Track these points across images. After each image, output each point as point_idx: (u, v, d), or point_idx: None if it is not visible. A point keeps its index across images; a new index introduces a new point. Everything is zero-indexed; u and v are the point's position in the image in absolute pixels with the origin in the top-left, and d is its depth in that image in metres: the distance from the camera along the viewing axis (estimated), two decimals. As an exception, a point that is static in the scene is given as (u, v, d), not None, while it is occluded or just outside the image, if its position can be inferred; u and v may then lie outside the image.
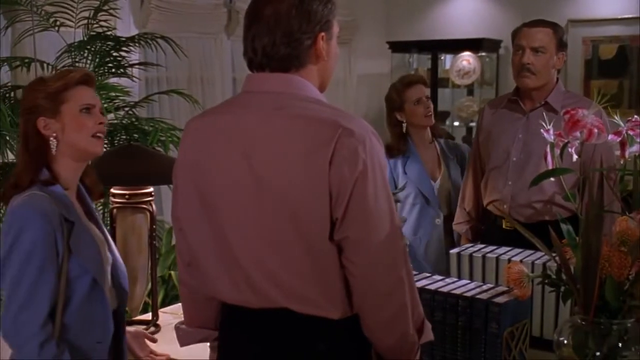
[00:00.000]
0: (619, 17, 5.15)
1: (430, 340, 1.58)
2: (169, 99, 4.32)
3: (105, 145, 2.32)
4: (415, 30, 5.92)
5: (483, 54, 5.63)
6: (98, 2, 3.45)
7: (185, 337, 1.71)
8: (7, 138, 2.90)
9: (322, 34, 1.51)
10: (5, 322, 1.66)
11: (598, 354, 1.56)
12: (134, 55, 3.66)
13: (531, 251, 2.12)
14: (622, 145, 1.67)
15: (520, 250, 2.16)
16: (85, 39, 3.40)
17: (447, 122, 5.84)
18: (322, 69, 1.55)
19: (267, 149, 1.45)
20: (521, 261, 2.02)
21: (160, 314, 2.45)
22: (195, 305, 1.67)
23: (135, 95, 3.87)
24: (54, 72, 3.26)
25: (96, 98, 1.83)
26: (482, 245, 2.29)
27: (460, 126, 5.85)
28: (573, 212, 1.89)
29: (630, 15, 5.01)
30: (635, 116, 1.73)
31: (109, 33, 3.49)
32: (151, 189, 2.38)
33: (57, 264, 1.68)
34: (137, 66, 3.64)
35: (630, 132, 1.66)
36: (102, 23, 3.47)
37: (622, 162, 1.71)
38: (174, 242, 1.69)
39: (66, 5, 3.39)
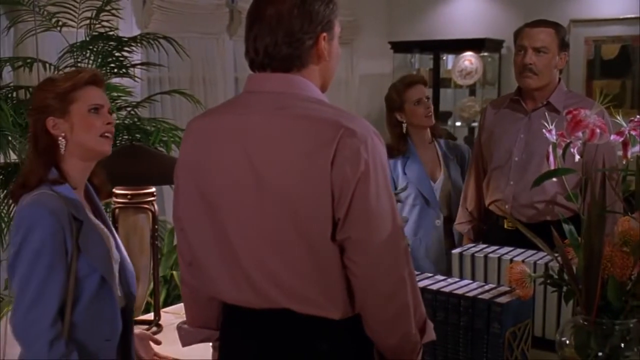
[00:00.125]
0: (622, 17, 5.14)
1: (432, 340, 1.58)
2: (171, 99, 4.32)
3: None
4: (417, 30, 5.92)
5: (485, 54, 5.63)
6: (100, 2, 3.45)
7: (187, 337, 1.71)
8: (10, 138, 2.90)
9: (324, 34, 1.51)
10: (15, 320, 1.68)
11: (600, 354, 1.56)
12: (136, 55, 3.66)
13: (533, 251, 2.12)
14: (625, 145, 1.67)
15: (522, 250, 2.16)
16: (88, 39, 3.40)
17: (449, 122, 5.84)
18: (324, 69, 1.55)
19: (268, 149, 1.45)
20: (523, 261, 2.02)
21: (162, 314, 2.45)
22: (197, 305, 1.67)
23: (137, 96, 3.87)
24: (56, 72, 3.27)
25: (105, 98, 1.85)
26: (484, 245, 2.29)
27: (462, 126, 5.85)
28: (575, 212, 1.88)
29: (632, 15, 5.01)
30: (638, 116, 1.72)
31: (111, 33, 3.49)
32: (153, 189, 2.38)
33: (66, 262, 1.69)
34: (139, 66, 3.64)
35: (633, 132, 1.66)
36: (105, 23, 3.48)
37: (624, 162, 1.70)
38: (175, 242, 1.70)
39: (68, 6, 3.39)
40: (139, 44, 3.54)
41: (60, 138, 1.77)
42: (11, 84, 3.38)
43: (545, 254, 2.00)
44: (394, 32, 5.99)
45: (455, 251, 2.26)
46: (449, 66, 5.82)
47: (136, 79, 3.66)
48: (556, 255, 1.65)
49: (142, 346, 2.00)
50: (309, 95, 1.50)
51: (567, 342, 1.62)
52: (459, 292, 1.86)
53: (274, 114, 1.47)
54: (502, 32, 5.37)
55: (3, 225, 3.02)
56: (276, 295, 1.47)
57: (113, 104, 3.48)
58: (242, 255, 1.49)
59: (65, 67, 3.33)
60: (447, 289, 1.88)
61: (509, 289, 1.83)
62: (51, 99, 1.77)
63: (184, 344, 1.72)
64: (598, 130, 1.59)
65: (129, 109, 3.54)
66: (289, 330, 1.49)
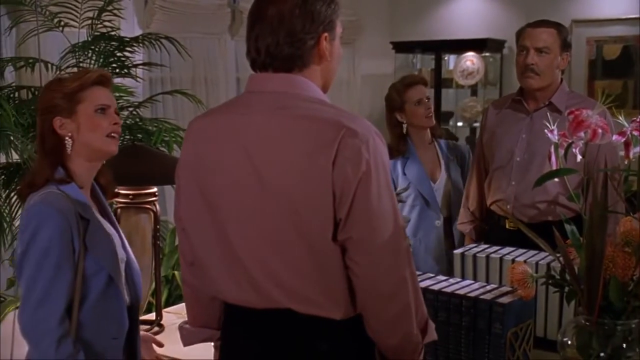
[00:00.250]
0: (623, 17, 5.14)
1: (433, 340, 1.58)
2: (172, 99, 4.32)
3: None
4: (419, 30, 5.92)
5: (487, 54, 5.63)
6: (102, 3, 3.45)
7: (188, 337, 1.71)
8: (12, 138, 2.90)
9: (326, 34, 1.51)
10: (23, 318, 1.69)
11: (602, 354, 1.56)
12: (138, 55, 3.66)
13: (535, 251, 2.12)
14: (627, 145, 1.67)
15: (524, 250, 2.16)
16: (89, 39, 3.40)
17: (451, 123, 5.84)
18: (325, 70, 1.55)
19: (269, 149, 1.45)
20: (525, 261, 2.02)
21: (164, 313, 2.46)
22: (199, 305, 1.67)
23: (139, 96, 3.87)
24: (58, 72, 3.27)
25: (111, 98, 1.86)
26: (486, 246, 2.29)
27: (463, 126, 5.85)
28: (577, 212, 1.88)
29: (634, 16, 5.00)
30: (640, 116, 1.72)
31: (113, 33, 3.49)
32: (155, 189, 2.38)
33: (73, 261, 1.70)
34: (141, 66, 3.64)
35: (635, 133, 1.66)
36: (106, 23, 3.48)
37: (626, 163, 1.70)
38: (177, 242, 1.70)
39: (70, 6, 3.39)
40: (140, 44, 3.54)
41: (67, 138, 1.78)
42: (13, 84, 3.38)
43: (547, 254, 2.00)
44: (395, 32, 5.99)
45: (457, 251, 2.26)
46: (451, 66, 5.82)
47: (138, 79, 3.66)
48: (558, 255, 1.65)
49: (144, 348, 2.01)
50: (311, 95, 1.50)
51: (569, 342, 1.62)
52: (461, 292, 1.86)
53: (275, 114, 1.47)
54: (504, 32, 5.37)
55: (5, 225, 3.03)
56: (277, 295, 1.47)
57: (115, 104, 3.48)
58: (243, 255, 1.49)
59: (67, 67, 3.33)
60: (448, 289, 1.88)
61: (510, 289, 1.83)
62: (58, 99, 1.78)
63: (186, 344, 1.72)
64: (600, 131, 1.58)
65: (130, 109, 3.54)
66: (290, 330, 1.49)
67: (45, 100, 1.81)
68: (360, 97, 5.92)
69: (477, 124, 5.51)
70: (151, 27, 4.18)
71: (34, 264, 1.67)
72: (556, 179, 1.74)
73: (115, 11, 3.49)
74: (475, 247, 2.29)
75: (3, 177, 3.12)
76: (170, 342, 2.11)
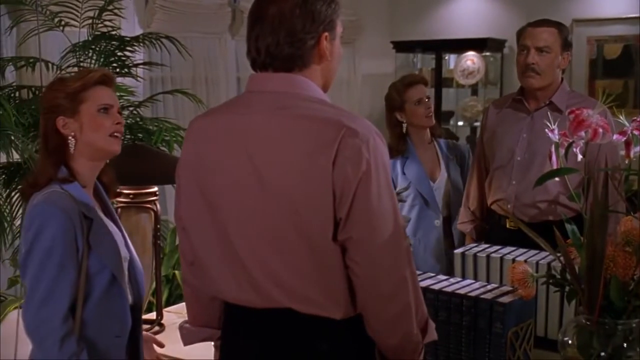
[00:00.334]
0: (624, 16, 5.14)
1: (434, 340, 1.58)
2: (173, 99, 4.32)
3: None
4: (420, 30, 5.92)
5: (487, 53, 5.62)
6: (103, 2, 3.45)
7: (188, 336, 1.71)
8: (12, 138, 2.90)
9: (326, 34, 1.51)
10: (27, 317, 1.69)
11: (603, 354, 1.56)
12: (139, 55, 3.66)
13: (535, 251, 2.12)
14: (627, 145, 1.67)
15: (524, 250, 2.16)
16: (90, 38, 3.40)
17: (451, 122, 5.84)
18: (326, 69, 1.55)
19: (270, 149, 1.45)
20: (525, 261, 2.02)
21: (164, 313, 2.46)
22: (199, 304, 1.67)
23: (139, 95, 3.87)
24: (59, 72, 3.27)
25: (114, 98, 1.86)
26: (486, 245, 2.29)
27: (464, 126, 5.85)
28: (577, 212, 1.88)
29: (635, 15, 5.00)
30: (641, 116, 1.72)
31: (113, 33, 3.49)
32: (155, 189, 2.38)
33: (77, 260, 1.71)
34: (141, 66, 3.64)
35: (635, 132, 1.65)
36: (107, 23, 3.47)
37: (627, 162, 1.70)
38: (177, 241, 1.70)
39: (71, 5, 3.39)
40: (141, 44, 3.54)
41: (70, 137, 1.79)
42: (14, 84, 3.38)
43: (547, 253, 2.00)
44: (396, 31, 5.99)
45: (458, 251, 2.26)
46: (451, 66, 5.82)
47: (138, 78, 3.65)
48: (559, 255, 1.65)
49: (145, 348, 2.01)
50: (311, 95, 1.50)
51: (570, 342, 1.62)
52: (461, 291, 1.86)
53: (276, 114, 1.47)
54: (504, 32, 5.37)
55: (5, 225, 3.03)
56: (277, 295, 1.47)
57: (115, 103, 3.48)
58: (243, 254, 1.49)
59: (68, 66, 3.33)
60: (449, 289, 1.88)
61: (511, 288, 1.83)
62: (61, 99, 1.79)
63: (186, 343, 1.72)
64: (600, 130, 1.58)
65: (131, 108, 3.54)
66: (290, 329, 1.49)
67: (48, 99, 1.82)
68: (361, 96, 5.91)
69: (477, 124, 5.51)
70: (152, 26, 4.18)
71: (38, 263, 1.68)
72: (557, 179, 1.74)
73: (115, 11, 3.49)
74: (476, 246, 2.29)
75: (4, 176, 3.12)
76: (170, 341, 2.11)
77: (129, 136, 3.34)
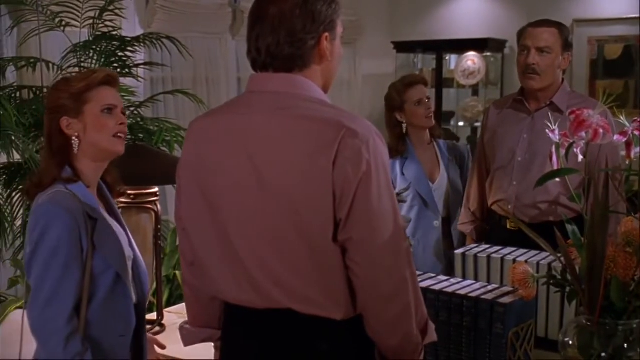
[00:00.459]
0: (625, 16, 5.14)
1: (434, 341, 1.57)
2: (174, 99, 4.32)
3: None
4: (420, 30, 5.92)
5: (488, 54, 5.62)
6: (103, 2, 3.45)
7: (189, 337, 1.71)
8: (13, 138, 2.90)
9: (326, 34, 1.51)
10: (32, 316, 1.70)
11: (603, 354, 1.56)
12: (139, 55, 3.66)
13: (536, 251, 2.12)
14: (628, 145, 1.67)
15: (525, 250, 2.16)
16: (91, 39, 3.40)
17: (452, 122, 5.84)
18: (326, 70, 1.55)
19: (270, 149, 1.45)
20: (526, 261, 2.02)
21: (165, 313, 2.46)
22: (199, 305, 1.67)
23: (140, 95, 3.87)
24: (59, 72, 3.27)
25: (118, 98, 1.86)
26: (487, 246, 2.29)
27: (465, 126, 5.85)
28: (578, 212, 1.88)
29: (635, 15, 5.00)
30: (641, 116, 1.72)
31: (114, 33, 3.49)
32: (156, 189, 2.39)
33: (81, 260, 1.71)
34: (142, 66, 3.64)
35: (636, 133, 1.65)
36: (108, 23, 3.48)
37: (627, 163, 1.70)
38: (178, 242, 1.71)
39: (72, 5, 3.39)
40: (142, 44, 3.54)
41: (73, 138, 1.80)
42: (14, 84, 3.38)
43: (548, 254, 2.00)
44: (396, 32, 5.99)
45: (458, 251, 2.26)
46: (452, 66, 5.82)
47: (139, 78, 3.66)
48: (559, 255, 1.65)
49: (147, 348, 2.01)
50: (311, 95, 1.50)
51: (570, 342, 1.62)
52: (462, 292, 1.86)
53: (276, 114, 1.47)
54: (505, 32, 5.37)
55: (6, 225, 3.03)
56: (277, 295, 1.47)
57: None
58: (243, 255, 1.49)
59: (69, 67, 3.33)
60: (449, 289, 1.88)
61: (512, 289, 1.83)
62: (65, 99, 1.79)
63: (186, 344, 1.72)
64: (601, 131, 1.58)
65: (132, 108, 3.54)
66: (290, 330, 1.49)
67: (52, 100, 1.82)
68: (361, 97, 5.91)
69: (478, 124, 5.50)
70: (152, 26, 4.18)
71: (43, 263, 1.69)
72: (557, 179, 1.74)
73: (116, 11, 3.49)
74: (477, 247, 2.29)
75: (4, 177, 3.12)
76: (171, 341, 2.11)
77: (129, 136, 3.33)
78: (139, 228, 2.34)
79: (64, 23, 3.42)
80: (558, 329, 1.96)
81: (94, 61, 3.36)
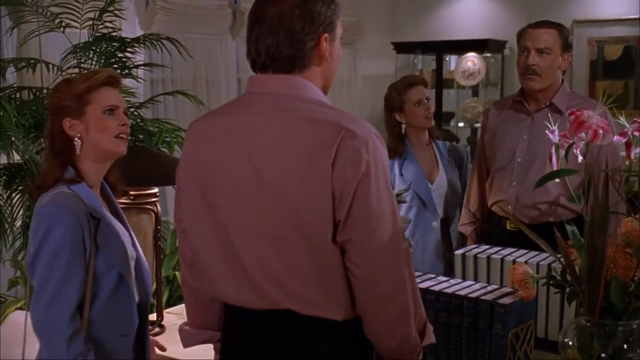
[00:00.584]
0: (625, 17, 5.14)
1: (432, 343, 1.57)
2: (174, 100, 4.32)
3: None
4: (420, 31, 5.92)
5: (488, 54, 5.63)
6: (103, 3, 3.45)
7: (188, 339, 1.71)
8: (13, 139, 2.90)
9: (326, 35, 1.51)
10: (35, 316, 1.71)
11: (603, 355, 1.56)
12: (139, 56, 3.66)
13: (536, 252, 2.12)
14: (628, 146, 1.67)
15: (525, 251, 2.16)
16: (91, 39, 3.40)
17: (452, 123, 5.84)
18: (325, 71, 1.55)
19: (270, 150, 1.45)
20: (526, 262, 2.02)
21: (164, 314, 2.46)
22: (199, 306, 1.67)
23: (140, 96, 3.87)
24: (59, 73, 3.27)
25: (120, 99, 1.87)
26: (487, 246, 2.29)
27: (465, 127, 5.85)
28: (578, 213, 1.88)
29: (635, 16, 5.00)
30: (641, 117, 1.72)
31: (114, 34, 3.49)
32: (156, 190, 2.39)
33: (84, 260, 1.72)
34: (142, 67, 3.64)
35: (636, 133, 1.65)
36: (108, 24, 3.48)
37: (627, 163, 1.70)
38: (178, 243, 1.71)
39: (71, 6, 3.39)
40: (141, 45, 3.54)
41: (76, 139, 1.80)
42: (14, 85, 3.38)
43: (548, 255, 2.00)
44: (396, 32, 5.99)
45: (458, 252, 2.26)
46: (452, 67, 5.82)
47: (139, 79, 3.65)
48: (559, 256, 1.65)
49: None
50: (310, 96, 1.50)
51: (570, 343, 1.62)
52: (462, 293, 1.86)
53: (275, 115, 1.47)
54: (504, 33, 5.37)
55: (6, 226, 3.03)
56: (277, 296, 1.47)
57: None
58: (243, 255, 1.49)
59: (68, 67, 3.33)
60: (449, 290, 1.88)
61: (511, 290, 1.83)
62: (67, 100, 1.79)
63: (185, 345, 1.72)
64: (601, 131, 1.58)
65: (132, 109, 3.54)
66: (290, 331, 1.49)
67: (54, 101, 1.83)
68: (361, 97, 5.91)
69: (478, 125, 5.50)
70: (152, 27, 4.18)
71: (46, 264, 1.69)
72: (557, 180, 1.74)
73: (116, 12, 3.49)
74: (476, 247, 2.29)
75: (4, 177, 3.12)
76: (171, 342, 2.11)
77: (129, 137, 3.34)
78: (139, 229, 2.34)
79: (63, 24, 3.42)
80: (558, 330, 1.96)
81: (93, 62, 3.36)
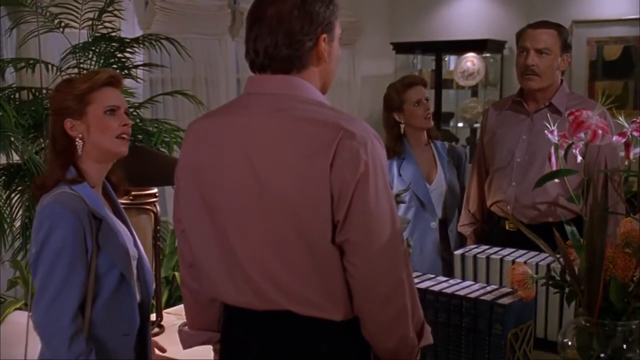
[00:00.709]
0: (624, 17, 5.14)
1: (429, 344, 1.57)
2: (173, 100, 4.32)
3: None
4: (419, 31, 5.92)
5: (487, 55, 5.62)
6: (102, 3, 3.45)
7: (188, 340, 1.71)
8: (12, 139, 2.90)
9: (324, 35, 1.51)
10: (37, 316, 1.71)
11: (602, 355, 1.56)
12: (139, 56, 3.66)
13: (535, 252, 2.12)
14: (627, 146, 1.67)
15: (524, 251, 2.16)
16: (90, 40, 3.41)
17: (451, 123, 5.84)
18: (324, 71, 1.54)
19: (268, 151, 1.45)
20: (525, 262, 2.02)
21: (164, 314, 2.46)
22: (198, 307, 1.67)
23: (139, 96, 3.87)
24: (58, 73, 3.27)
25: (121, 99, 1.87)
26: (486, 247, 2.29)
27: (464, 127, 5.85)
28: (577, 213, 1.88)
29: (635, 16, 5.00)
30: (640, 117, 1.72)
31: (113, 34, 3.49)
32: (155, 190, 2.39)
33: (86, 260, 1.73)
34: (141, 67, 3.64)
35: (635, 134, 1.65)
36: (107, 24, 3.48)
37: (626, 164, 1.70)
38: (177, 243, 1.71)
39: (71, 7, 3.39)
40: (141, 45, 3.55)
41: (77, 139, 1.80)
42: (14, 85, 3.38)
43: (547, 255, 2.00)
44: (396, 33, 5.99)
45: (457, 252, 2.26)
46: (451, 67, 5.82)
47: (138, 80, 3.66)
48: (558, 256, 1.65)
49: None
50: (309, 97, 1.50)
51: (569, 343, 1.62)
52: (461, 293, 1.86)
53: (274, 116, 1.47)
54: (504, 33, 5.37)
55: (5, 226, 3.03)
56: (276, 297, 1.47)
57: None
58: (241, 256, 1.49)
59: (68, 68, 3.33)
60: (449, 290, 1.88)
61: (511, 290, 1.83)
62: (69, 101, 1.80)
63: (185, 347, 1.72)
64: (600, 132, 1.58)
65: (131, 109, 3.54)
66: (290, 331, 1.49)
67: (56, 102, 1.83)
68: (361, 98, 5.91)
69: (477, 125, 5.50)
70: (152, 28, 4.18)
71: (48, 264, 1.70)
72: (556, 180, 1.74)
73: (115, 12, 3.50)
74: (476, 248, 2.29)
75: (4, 178, 3.12)
76: (170, 343, 2.11)
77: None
78: (138, 229, 2.33)
79: (63, 24, 3.42)
80: (557, 330, 1.96)
81: (93, 62, 3.36)
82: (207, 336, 1.69)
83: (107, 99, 1.82)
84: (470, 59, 5.60)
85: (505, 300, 1.80)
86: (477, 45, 5.55)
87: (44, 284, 1.70)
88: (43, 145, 3.13)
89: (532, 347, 1.89)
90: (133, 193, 2.32)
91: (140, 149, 2.46)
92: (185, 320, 1.73)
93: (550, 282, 1.69)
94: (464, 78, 5.63)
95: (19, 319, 3.02)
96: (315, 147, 1.41)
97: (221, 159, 1.50)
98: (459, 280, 2.01)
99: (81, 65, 3.34)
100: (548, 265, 2.01)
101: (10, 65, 3.39)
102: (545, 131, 1.73)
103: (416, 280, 1.90)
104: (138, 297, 1.84)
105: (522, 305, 1.81)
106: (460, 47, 5.66)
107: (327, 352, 1.49)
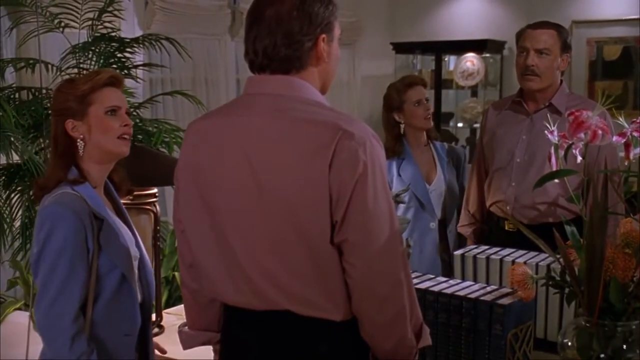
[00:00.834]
0: (624, 18, 5.14)
1: (427, 345, 1.57)
2: (173, 100, 4.32)
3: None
4: (419, 31, 5.92)
5: (487, 55, 5.62)
6: (102, 4, 3.45)
7: (188, 340, 1.71)
8: (12, 139, 2.90)
9: (323, 35, 1.51)
10: (38, 316, 1.71)
11: (602, 355, 1.56)
12: (138, 56, 3.66)
13: (535, 253, 2.12)
14: (627, 146, 1.67)
15: (524, 251, 2.16)
16: (90, 40, 3.41)
17: (451, 124, 5.84)
18: (323, 71, 1.54)
19: (268, 151, 1.45)
20: (525, 263, 2.02)
21: (164, 314, 2.46)
22: (198, 307, 1.67)
23: (139, 97, 3.87)
24: (58, 73, 3.27)
25: (122, 99, 1.87)
26: (486, 247, 2.29)
27: (464, 127, 5.85)
28: (577, 214, 1.88)
29: (634, 16, 5.00)
30: (640, 117, 1.72)
31: (113, 34, 3.49)
32: (155, 190, 2.38)
33: (87, 260, 1.73)
34: (141, 67, 3.64)
35: (635, 134, 1.65)
36: (107, 24, 3.48)
37: (626, 164, 1.70)
38: (177, 243, 1.71)
39: (71, 7, 3.39)
40: (141, 45, 3.55)
41: (79, 140, 1.80)
42: (14, 85, 3.38)
43: (547, 255, 2.00)
44: (396, 33, 5.99)
45: (457, 252, 2.26)
46: (451, 67, 5.82)
47: (138, 80, 3.66)
48: (558, 256, 1.65)
49: None
50: (308, 97, 1.50)
51: (569, 343, 1.62)
52: (461, 293, 1.86)
53: (274, 116, 1.47)
54: (504, 33, 5.37)
55: (5, 226, 3.03)
56: (276, 297, 1.47)
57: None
58: (241, 256, 1.49)
59: (68, 68, 3.33)
60: (449, 291, 1.88)
61: (511, 290, 1.83)
62: (70, 102, 1.80)
63: (185, 347, 1.72)
64: (600, 132, 1.58)
65: (131, 109, 3.54)
66: (289, 331, 1.49)
67: (57, 102, 1.83)
68: (360, 98, 5.91)
69: (477, 125, 5.50)
70: (151, 28, 4.18)
71: (49, 264, 1.70)
72: (556, 180, 1.74)
73: (115, 12, 3.49)
74: (475, 248, 2.29)
75: (3, 178, 3.12)
76: (170, 343, 2.11)
77: (128, 137, 3.34)
78: (138, 229, 2.32)
79: (63, 24, 3.42)
80: (557, 330, 1.96)
81: (93, 62, 3.36)
82: (207, 336, 1.69)
83: (108, 100, 1.82)
84: (470, 59, 5.60)
85: (505, 301, 1.80)
86: (477, 46, 5.55)
87: (45, 283, 1.70)
88: (43, 146, 3.13)
89: (532, 347, 1.89)
90: (133, 193, 2.33)
91: (140, 149, 2.46)
92: (185, 321, 1.73)
93: (550, 283, 1.69)
94: (464, 78, 5.63)
95: (19, 319, 3.03)
96: (314, 147, 1.41)
97: (221, 160, 1.50)
98: (458, 281, 2.01)
99: (81, 65, 3.33)
100: (548, 265, 2.01)
101: (10, 65, 3.39)
102: (545, 131, 1.73)
103: (416, 281, 1.90)
104: (139, 297, 1.84)
105: (522, 305, 1.81)
106: (460, 47, 5.66)
107: (326, 352, 1.49)
